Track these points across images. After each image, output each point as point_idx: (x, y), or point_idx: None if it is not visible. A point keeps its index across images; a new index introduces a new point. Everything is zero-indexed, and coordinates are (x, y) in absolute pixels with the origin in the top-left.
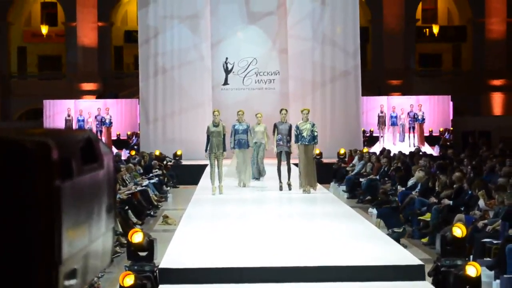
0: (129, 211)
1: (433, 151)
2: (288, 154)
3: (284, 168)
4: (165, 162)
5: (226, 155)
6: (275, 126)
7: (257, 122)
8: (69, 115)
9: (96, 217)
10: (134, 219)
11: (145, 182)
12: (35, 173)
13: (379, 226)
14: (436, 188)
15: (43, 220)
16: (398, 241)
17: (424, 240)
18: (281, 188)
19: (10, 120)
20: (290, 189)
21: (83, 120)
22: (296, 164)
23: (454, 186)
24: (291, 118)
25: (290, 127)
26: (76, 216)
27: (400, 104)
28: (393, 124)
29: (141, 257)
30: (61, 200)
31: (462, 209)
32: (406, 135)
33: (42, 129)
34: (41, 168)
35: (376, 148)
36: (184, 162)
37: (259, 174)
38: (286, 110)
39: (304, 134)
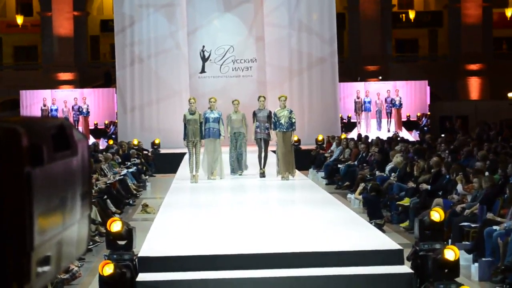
0: (108, 200)
1: (411, 136)
2: (266, 141)
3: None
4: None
5: (203, 143)
6: (254, 113)
7: (234, 109)
8: (44, 105)
9: (70, 204)
10: (113, 209)
11: (124, 171)
12: (4, 159)
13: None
14: (414, 173)
15: (13, 206)
16: None
17: (403, 225)
18: (261, 175)
19: None
20: (264, 176)
21: (56, 110)
22: (274, 151)
23: (432, 170)
24: (269, 106)
25: (270, 113)
26: (48, 203)
27: (377, 89)
28: (367, 109)
29: (120, 246)
30: (32, 187)
31: (440, 193)
32: (383, 121)
33: (13, 117)
34: (10, 154)
35: (354, 134)
36: (162, 151)
37: (239, 168)
38: (264, 97)
39: (282, 121)
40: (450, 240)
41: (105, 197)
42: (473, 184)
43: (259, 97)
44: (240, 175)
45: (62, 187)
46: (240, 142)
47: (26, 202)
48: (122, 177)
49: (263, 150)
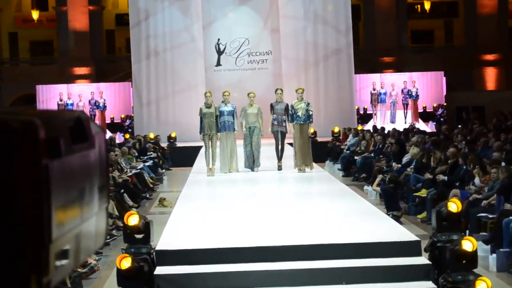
0: (125, 194)
1: (427, 127)
2: (283, 134)
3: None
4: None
5: (219, 136)
6: (271, 106)
7: (250, 103)
8: (61, 100)
9: (88, 197)
10: (130, 202)
11: (140, 165)
12: (21, 152)
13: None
14: (431, 164)
15: (31, 199)
16: None
17: (420, 216)
18: (279, 168)
19: (2, 107)
20: (281, 169)
21: (72, 104)
22: (290, 144)
23: (449, 161)
24: (284, 98)
25: (287, 106)
26: (66, 195)
27: (393, 81)
28: (382, 101)
29: (137, 240)
30: (49, 179)
31: (457, 184)
32: (400, 112)
33: (30, 110)
34: (28, 146)
35: (371, 126)
36: (178, 144)
37: (253, 163)
38: (282, 90)
39: (299, 113)
40: (467, 231)
41: (122, 191)
42: (490, 175)
43: (277, 89)
44: (252, 170)
45: (80, 180)
46: (255, 137)
47: (44, 195)
48: (138, 171)
49: (280, 142)
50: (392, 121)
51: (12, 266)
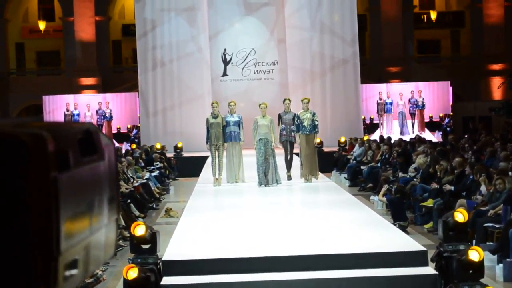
0: (131, 204)
1: (434, 137)
2: (292, 144)
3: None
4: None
5: (226, 146)
6: (279, 116)
7: (262, 114)
8: (67, 110)
9: (97, 209)
10: (137, 212)
11: (147, 175)
12: (30, 165)
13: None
14: (438, 173)
15: (40, 211)
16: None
17: (427, 226)
18: (288, 178)
19: (9, 117)
20: (289, 179)
21: (78, 115)
22: (297, 154)
23: (456, 171)
24: (291, 108)
25: (295, 116)
26: (75, 208)
27: (400, 91)
28: (388, 111)
29: (144, 250)
30: (58, 192)
31: (464, 194)
32: (407, 122)
33: (39, 122)
34: (36, 160)
35: (377, 136)
36: (184, 154)
37: (271, 179)
38: (290, 100)
39: (305, 123)
40: (474, 241)
41: (129, 201)
42: (495, 184)
43: (285, 99)
44: (265, 186)
45: (89, 192)
46: (269, 150)
47: (53, 207)
48: (145, 181)
49: (288, 152)
50: (402, 132)
51: (21, 278)
